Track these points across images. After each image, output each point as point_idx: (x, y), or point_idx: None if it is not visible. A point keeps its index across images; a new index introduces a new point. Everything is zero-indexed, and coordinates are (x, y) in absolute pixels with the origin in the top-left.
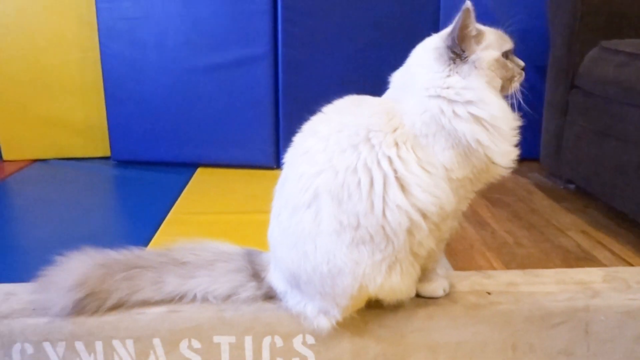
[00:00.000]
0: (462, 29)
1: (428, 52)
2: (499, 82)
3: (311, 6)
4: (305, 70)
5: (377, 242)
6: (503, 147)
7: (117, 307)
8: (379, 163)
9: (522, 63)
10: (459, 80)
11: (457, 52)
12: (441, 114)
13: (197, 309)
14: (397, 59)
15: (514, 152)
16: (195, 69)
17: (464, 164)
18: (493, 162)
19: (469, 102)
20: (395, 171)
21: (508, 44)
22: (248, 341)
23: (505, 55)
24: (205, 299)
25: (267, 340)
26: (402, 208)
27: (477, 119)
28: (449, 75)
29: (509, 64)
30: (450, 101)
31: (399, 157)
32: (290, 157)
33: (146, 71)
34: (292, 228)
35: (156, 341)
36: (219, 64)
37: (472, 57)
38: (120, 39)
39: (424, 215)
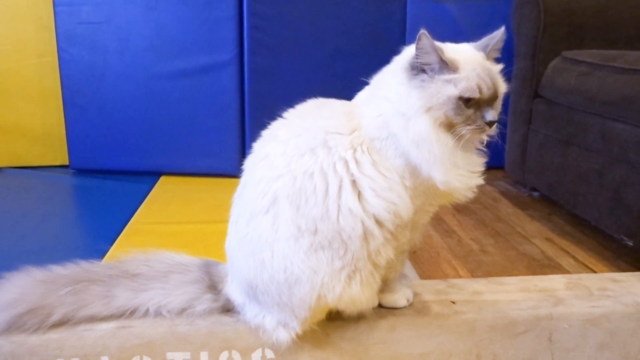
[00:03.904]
0: (416, 54)
1: (401, 59)
2: (442, 117)
3: (278, 13)
4: (271, 77)
5: (336, 248)
6: (436, 173)
7: (62, 323)
8: (334, 166)
9: (489, 117)
10: (404, 92)
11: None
12: (391, 119)
13: (149, 324)
14: (365, 66)
15: (455, 182)
16: (159, 76)
17: (413, 175)
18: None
19: (403, 115)
20: (351, 174)
21: (478, 93)
22: (204, 357)
23: (467, 101)
24: (158, 314)
25: (224, 356)
26: (354, 213)
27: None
28: (402, 84)
29: (467, 111)
30: (396, 109)
31: (355, 159)
32: (249, 163)
33: (107, 77)
34: (250, 235)
35: (105, 359)
36: (184, 70)
37: (423, 77)
38: (79, 43)
39: (379, 222)
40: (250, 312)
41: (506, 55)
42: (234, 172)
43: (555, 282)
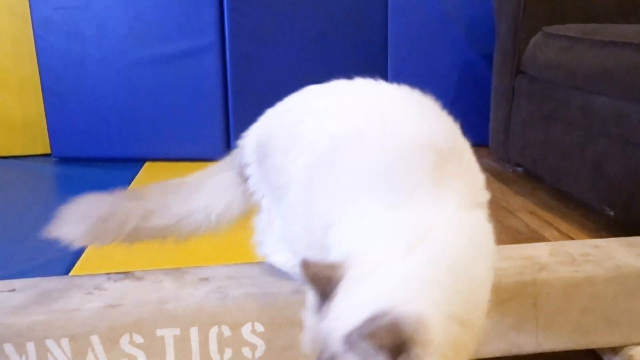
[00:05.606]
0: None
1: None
2: None
3: None
4: (254, 61)
5: None
6: None
7: (132, 237)
8: None
9: None
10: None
11: None
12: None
13: (138, 303)
14: (347, 49)
15: None
16: (139, 61)
17: None
18: None
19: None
20: None
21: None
22: (194, 333)
23: None
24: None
25: (214, 331)
26: None
27: None
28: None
29: None
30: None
31: None
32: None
33: (87, 64)
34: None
35: (94, 338)
36: (164, 55)
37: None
38: (57, 30)
39: None
40: (253, 179)
41: (488, 33)
42: (219, 157)
43: (539, 249)
